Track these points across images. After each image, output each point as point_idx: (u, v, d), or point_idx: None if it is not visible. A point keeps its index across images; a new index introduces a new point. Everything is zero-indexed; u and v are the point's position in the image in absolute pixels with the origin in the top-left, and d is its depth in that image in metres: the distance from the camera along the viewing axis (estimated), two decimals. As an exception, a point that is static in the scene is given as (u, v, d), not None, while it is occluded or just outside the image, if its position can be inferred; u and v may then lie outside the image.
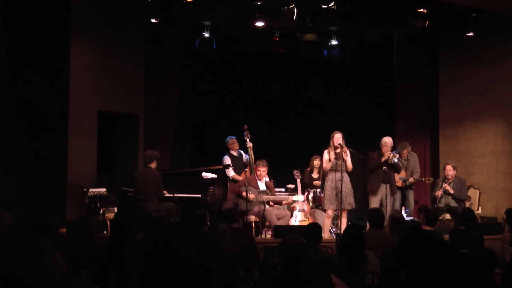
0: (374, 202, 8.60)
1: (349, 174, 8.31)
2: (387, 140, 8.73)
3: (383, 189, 8.46)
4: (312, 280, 3.70)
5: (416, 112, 10.74)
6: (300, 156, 10.19)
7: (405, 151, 9.50)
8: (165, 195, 8.18)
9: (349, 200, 8.14)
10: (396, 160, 8.60)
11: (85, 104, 9.11)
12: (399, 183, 9.26)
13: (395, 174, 9.00)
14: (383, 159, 8.53)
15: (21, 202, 8.39)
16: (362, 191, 9.87)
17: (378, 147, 8.79)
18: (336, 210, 8.26)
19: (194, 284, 1.62)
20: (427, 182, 9.69)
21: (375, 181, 8.65)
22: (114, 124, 10.21)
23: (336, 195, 8.08)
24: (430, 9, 8.93)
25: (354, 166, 8.55)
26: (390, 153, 8.57)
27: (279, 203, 8.69)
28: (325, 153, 8.21)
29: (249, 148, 9.13)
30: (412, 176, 9.40)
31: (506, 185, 9.95)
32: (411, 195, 9.56)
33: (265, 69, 11.14)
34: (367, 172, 9.21)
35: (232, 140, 9.31)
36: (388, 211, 7.99)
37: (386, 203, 8.38)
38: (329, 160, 8.12)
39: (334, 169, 8.13)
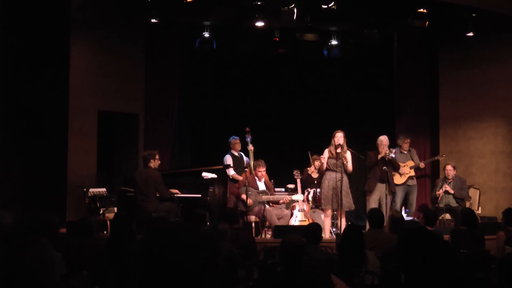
0: (372, 201, 8.61)
1: (349, 174, 8.30)
2: (383, 139, 8.78)
3: (380, 188, 8.48)
4: (312, 280, 3.70)
5: (416, 112, 10.73)
6: (300, 156, 10.18)
7: (406, 141, 9.54)
8: (175, 193, 8.22)
9: (345, 202, 8.07)
10: (393, 156, 8.63)
11: (85, 104, 9.12)
12: (405, 177, 9.32)
13: (401, 168, 9.13)
14: (379, 156, 8.57)
15: (21, 202, 8.39)
16: (361, 191, 9.87)
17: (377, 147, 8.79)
18: (335, 210, 8.25)
19: (193, 284, 1.62)
20: (441, 159, 9.86)
21: (372, 179, 8.69)
22: (114, 124, 10.21)
23: (333, 195, 8.05)
24: (430, 9, 8.93)
25: (354, 166, 8.53)
26: (386, 150, 8.60)
27: (276, 202, 8.69)
28: (325, 151, 8.22)
29: (250, 151, 9.12)
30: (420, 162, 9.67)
31: (506, 185, 9.94)
32: (414, 196, 9.57)
33: (265, 69, 11.13)
34: (366, 172, 9.22)
35: (234, 141, 9.30)
36: (386, 210, 8.00)
37: (385, 202, 8.39)
38: (321, 163, 8.18)
39: (333, 169, 8.12)
